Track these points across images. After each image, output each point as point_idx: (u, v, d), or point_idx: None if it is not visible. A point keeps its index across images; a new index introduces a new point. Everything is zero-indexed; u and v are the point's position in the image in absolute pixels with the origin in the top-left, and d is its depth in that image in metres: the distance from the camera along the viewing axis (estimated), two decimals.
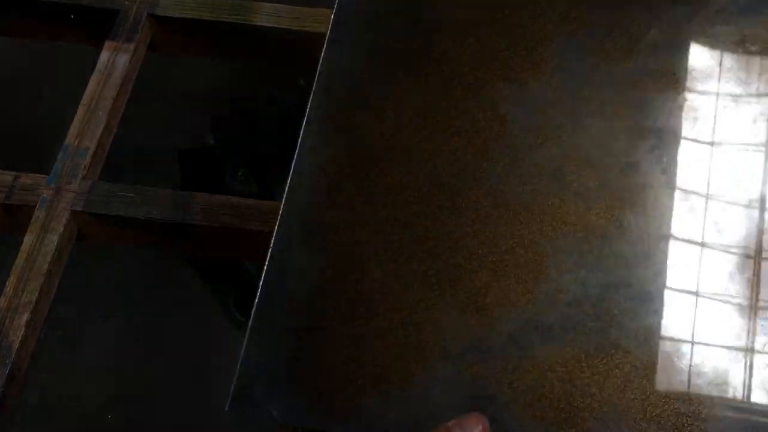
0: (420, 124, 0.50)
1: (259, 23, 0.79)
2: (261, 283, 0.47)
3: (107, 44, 0.76)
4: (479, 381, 0.44)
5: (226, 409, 0.44)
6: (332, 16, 0.54)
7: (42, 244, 0.65)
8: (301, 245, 0.47)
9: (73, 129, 0.71)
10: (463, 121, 0.50)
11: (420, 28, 0.52)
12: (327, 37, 0.53)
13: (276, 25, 0.78)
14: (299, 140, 0.51)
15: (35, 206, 0.66)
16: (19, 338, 0.60)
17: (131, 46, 0.76)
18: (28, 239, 0.65)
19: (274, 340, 0.45)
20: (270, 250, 0.48)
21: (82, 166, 0.68)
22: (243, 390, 0.44)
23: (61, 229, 0.65)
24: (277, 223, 0.48)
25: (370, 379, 0.44)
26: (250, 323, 0.46)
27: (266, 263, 0.47)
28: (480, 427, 0.41)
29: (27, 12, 0.79)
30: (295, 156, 0.50)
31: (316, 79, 0.52)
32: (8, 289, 0.63)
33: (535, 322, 0.46)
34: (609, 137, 0.49)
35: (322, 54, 0.51)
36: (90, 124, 0.71)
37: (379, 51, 0.52)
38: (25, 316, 0.61)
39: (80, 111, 0.72)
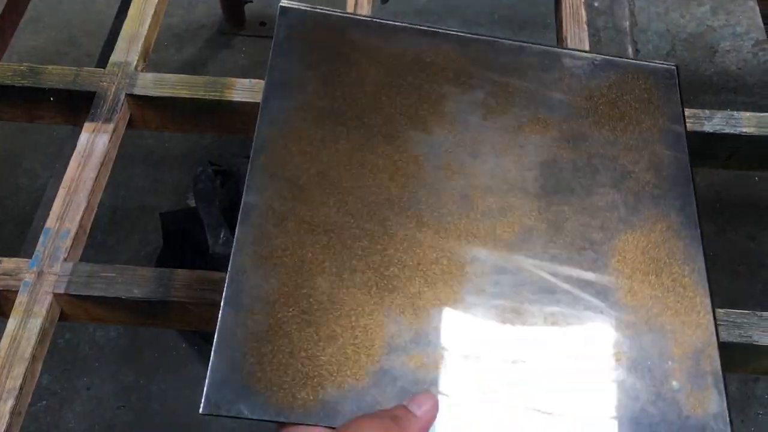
0: (348, 165, 0.59)
1: (235, 99, 0.81)
2: (222, 303, 0.52)
3: (86, 125, 0.77)
4: (421, 368, 0.52)
5: (200, 412, 0.48)
6: (265, 79, 0.61)
7: (25, 328, 0.65)
8: (257, 267, 0.53)
9: (54, 211, 0.71)
10: (384, 161, 0.60)
11: (340, 90, 0.62)
12: (262, 95, 0.60)
13: (251, 100, 0.80)
14: (247, 177, 0.57)
15: (17, 291, 0.67)
16: (4, 426, 0.61)
17: (110, 126, 0.77)
18: (11, 324, 0.65)
19: (239, 346, 0.50)
20: (227, 274, 0.53)
21: (64, 248, 0.69)
22: (214, 393, 0.49)
23: (44, 312, 0.66)
24: (232, 251, 0.53)
25: (327, 375, 0.51)
26: (216, 333, 0.50)
27: (225, 286, 0.52)
28: (431, 402, 0.50)
29: (7, 98, 0.81)
30: (245, 189, 0.55)
31: (257, 125, 0.59)
32: None
33: (464, 316, 0.55)
34: (502, 170, 0.62)
35: (260, 107, 0.59)
36: (71, 206, 0.72)
37: (309, 107, 0.61)
38: (10, 403, 0.62)
39: (61, 193, 0.72)
